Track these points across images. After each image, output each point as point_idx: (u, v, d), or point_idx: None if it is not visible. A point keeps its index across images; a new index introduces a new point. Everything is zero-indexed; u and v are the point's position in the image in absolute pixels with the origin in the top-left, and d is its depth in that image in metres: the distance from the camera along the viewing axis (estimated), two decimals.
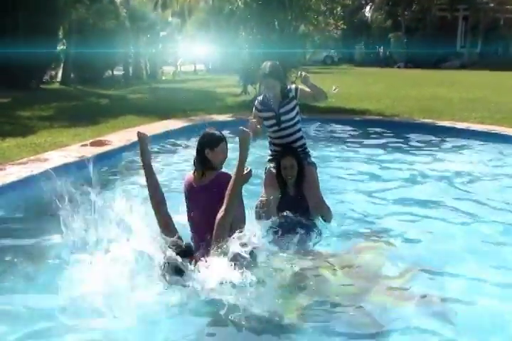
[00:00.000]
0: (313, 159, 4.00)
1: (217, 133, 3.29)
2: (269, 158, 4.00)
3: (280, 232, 3.50)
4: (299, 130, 3.90)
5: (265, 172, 3.95)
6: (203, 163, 3.23)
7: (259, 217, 3.65)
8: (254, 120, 3.61)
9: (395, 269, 3.37)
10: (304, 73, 3.77)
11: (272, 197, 3.70)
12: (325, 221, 3.77)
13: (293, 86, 3.89)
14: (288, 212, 3.58)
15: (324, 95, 3.76)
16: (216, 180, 3.19)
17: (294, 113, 3.80)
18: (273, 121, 3.81)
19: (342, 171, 6.21)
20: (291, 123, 3.81)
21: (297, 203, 3.68)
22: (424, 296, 3.02)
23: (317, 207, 3.72)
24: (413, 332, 2.70)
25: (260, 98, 3.90)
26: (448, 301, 3.01)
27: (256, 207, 3.67)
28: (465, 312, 2.88)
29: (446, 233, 4.15)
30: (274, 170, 3.80)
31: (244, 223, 3.08)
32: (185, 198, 3.35)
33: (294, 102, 3.80)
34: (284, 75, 3.96)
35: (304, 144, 3.95)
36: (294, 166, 3.67)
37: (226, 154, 3.28)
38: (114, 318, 2.65)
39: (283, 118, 3.78)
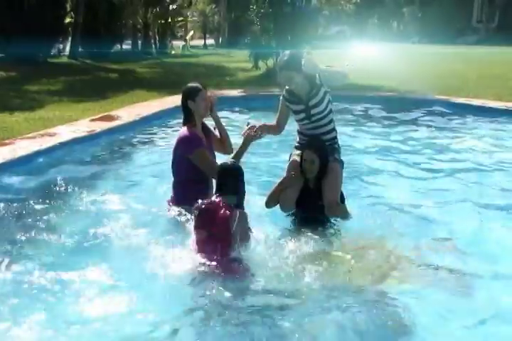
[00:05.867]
0: (341, 156, 3.68)
1: (195, 84, 3.48)
2: (296, 144, 3.74)
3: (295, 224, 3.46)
4: (331, 121, 3.59)
5: (289, 159, 3.70)
6: (185, 114, 3.45)
7: (275, 200, 3.51)
8: (253, 132, 3.40)
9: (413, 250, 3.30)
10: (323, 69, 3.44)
11: (291, 187, 3.50)
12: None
13: None
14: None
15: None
16: (178, 136, 3.45)
17: (324, 103, 3.49)
18: (303, 115, 3.52)
19: (355, 147, 6.08)
20: (323, 115, 3.51)
21: (316, 198, 3.48)
22: (442, 273, 2.96)
23: (331, 209, 3.45)
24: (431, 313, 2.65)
25: (288, 87, 3.55)
26: (467, 277, 2.95)
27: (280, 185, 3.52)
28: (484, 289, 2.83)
29: (458, 208, 4.05)
30: (298, 159, 3.59)
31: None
32: None
33: (323, 90, 3.48)
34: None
35: (334, 138, 3.64)
36: (315, 162, 3.41)
37: (208, 100, 3.44)
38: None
39: (313, 111, 3.49)
